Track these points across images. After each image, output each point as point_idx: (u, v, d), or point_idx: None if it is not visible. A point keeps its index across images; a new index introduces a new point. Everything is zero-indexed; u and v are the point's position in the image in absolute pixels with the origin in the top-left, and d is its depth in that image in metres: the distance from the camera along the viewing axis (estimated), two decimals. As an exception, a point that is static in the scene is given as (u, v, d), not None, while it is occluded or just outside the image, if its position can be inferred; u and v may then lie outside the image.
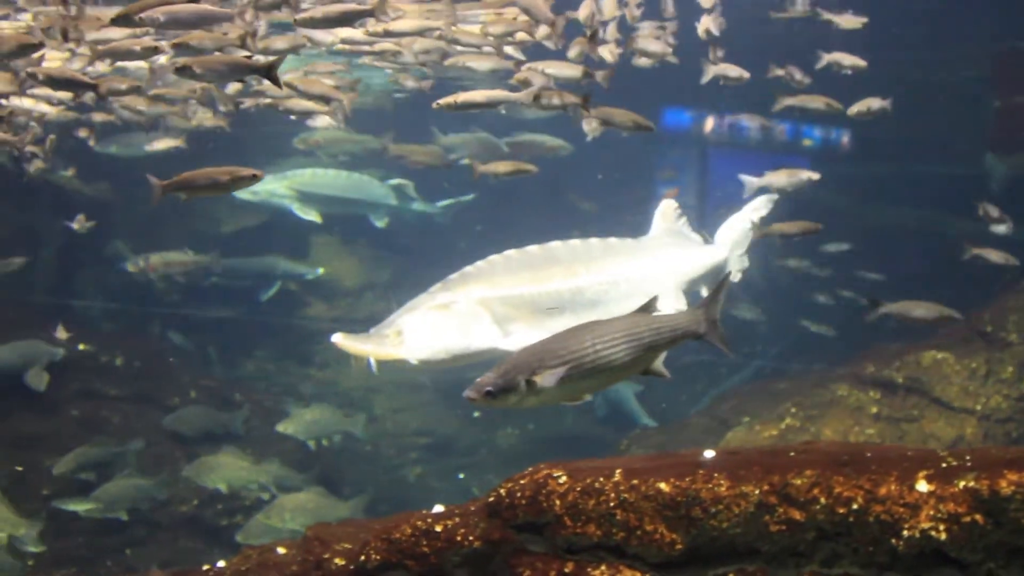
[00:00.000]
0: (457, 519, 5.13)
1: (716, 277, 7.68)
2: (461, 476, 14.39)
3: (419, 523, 5.16)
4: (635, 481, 4.81)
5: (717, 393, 14.29)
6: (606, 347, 4.58)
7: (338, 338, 6.07)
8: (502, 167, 9.63)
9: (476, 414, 14.55)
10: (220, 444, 12.15)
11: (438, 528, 5.09)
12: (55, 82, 8.79)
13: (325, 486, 12.02)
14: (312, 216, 14.96)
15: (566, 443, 13.92)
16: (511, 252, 6.83)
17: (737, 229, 8.28)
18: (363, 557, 5.19)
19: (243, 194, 14.39)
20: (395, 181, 15.41)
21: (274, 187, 14.75)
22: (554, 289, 6.61)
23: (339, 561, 5.41)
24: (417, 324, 6.09)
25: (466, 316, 6.16)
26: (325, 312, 15.63)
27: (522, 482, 5.07)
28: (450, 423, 14.72)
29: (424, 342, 6.06)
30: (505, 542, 4.97)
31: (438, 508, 5.44)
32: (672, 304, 7.08)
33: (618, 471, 4.89)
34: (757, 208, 8.40)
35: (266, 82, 7.32)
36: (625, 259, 7.20)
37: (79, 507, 11.03)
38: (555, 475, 4.99)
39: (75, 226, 12.84)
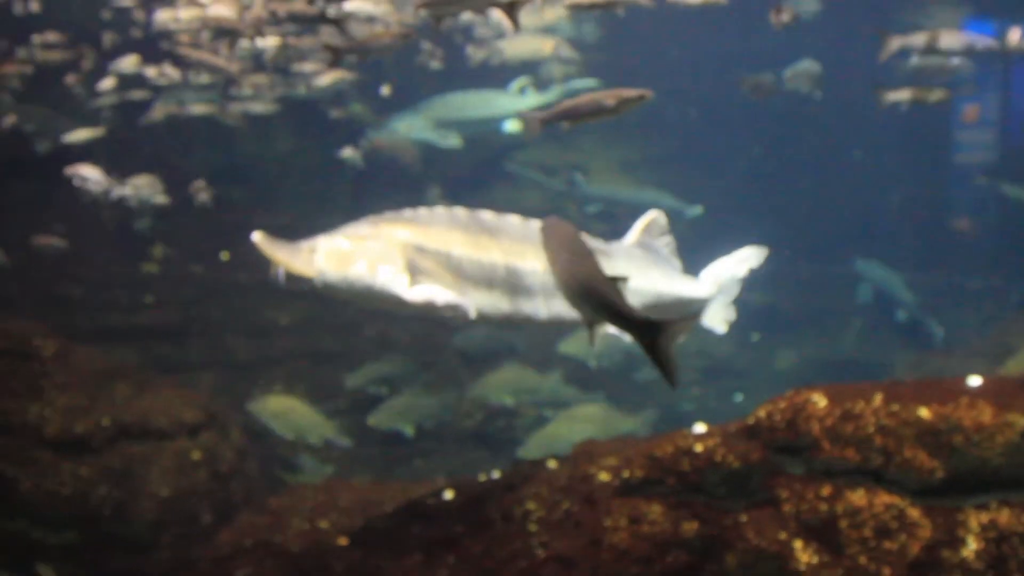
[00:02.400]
0: (717, 439, 5.27)
1: (681, 313, 6.85)
2: (739, 398, 14.40)
3: (681, 442, 5.33)
4: (895, 407, 4.81)
5: (1005, 318, 13.68)
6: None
7: (257, 236, 5.81)
8: (906, 94, 9.31)
9: (755, 338, 14.45)
10: (502, 363, 12.61)
11: (698, 448, 5.25)
12: (297, 18, 8.81)
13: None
14: (453, 142, 14.88)
15: (845, 367, 13.62)
16: (459, 210, 6.27)
17: (725, 274, 7.15)
18: (626, 473, 5.41)
19: (382, 135, 14.63)
20: (519, 83, 15.01)
21: (412, 122, 14.80)
22: (488, 261, 6.10)
23: (604, 476, 5.66)
24: (330, 248, 5.88)
25: (378, 255, 5.89)
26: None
27: (781, 405, 5.15)
28: (727, 346, 14.69)
29: (330, 267, 5.81)
30: (763, 463, 5.08)
31: (699, 428, 5.60)
32: None
33: (878, 396, 4.90)
34: (746, 259, 7.16)
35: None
36: None
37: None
38: (814, 399, 5.05)
39: (343, 155, 13.55)
